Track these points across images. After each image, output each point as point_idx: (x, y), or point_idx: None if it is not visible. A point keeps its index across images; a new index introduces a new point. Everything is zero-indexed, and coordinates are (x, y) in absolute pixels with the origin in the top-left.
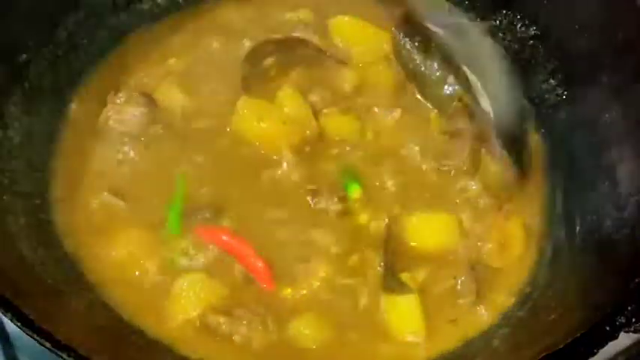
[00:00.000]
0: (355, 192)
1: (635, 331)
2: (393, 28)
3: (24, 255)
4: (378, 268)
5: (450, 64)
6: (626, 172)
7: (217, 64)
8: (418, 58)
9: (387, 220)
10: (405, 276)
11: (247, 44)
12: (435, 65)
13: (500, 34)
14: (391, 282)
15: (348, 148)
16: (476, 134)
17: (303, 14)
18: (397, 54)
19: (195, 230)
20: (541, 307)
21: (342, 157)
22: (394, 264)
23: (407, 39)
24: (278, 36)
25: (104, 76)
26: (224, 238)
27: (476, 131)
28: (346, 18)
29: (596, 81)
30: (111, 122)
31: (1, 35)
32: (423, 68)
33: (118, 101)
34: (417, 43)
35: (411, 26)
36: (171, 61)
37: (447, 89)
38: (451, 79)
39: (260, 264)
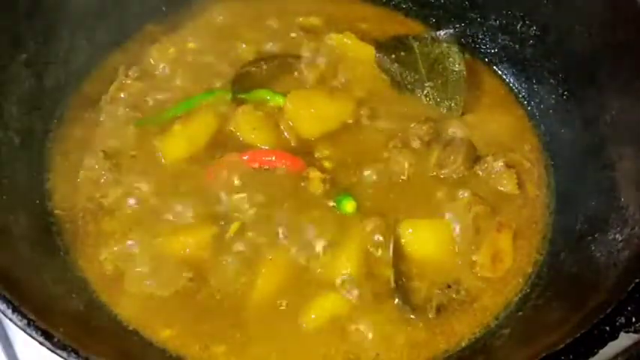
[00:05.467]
0: (350, 206)
1: (635, 331)
2: (374, 47)
3: (24, 255)
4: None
5: (430, 71)
6: (626, 172)
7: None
8: (398, 69)
9: (392, 240)
10: None
11: (243, 46)
12: (414, 74)
13: (500, 34)
14: (403, 307)
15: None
16: (468, 143)
17: (313, 21)
18: (380, 65)
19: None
20: (541, 307)
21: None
22: (407, 288)
23: (386, 55)
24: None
25: (103, 75)
26: (268, 158)
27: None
28: (340, 35)
29: (596, 81)
30: (121, 94)
31: (1, 35)
32: (401, 77)
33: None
34: (402, 54)
35: (395, 40)
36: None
37: (423, 97)
38: (428, 85)
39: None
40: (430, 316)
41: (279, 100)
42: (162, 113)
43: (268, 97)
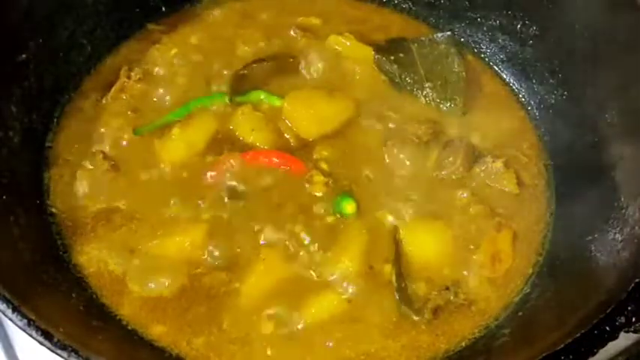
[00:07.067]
0: (349, 207)
1: (635, 331)
2: (373, 49)
3: (24, 255)
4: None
5: (429, 72)
6: (626, 172)
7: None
8: (397, 70)
9: (392, 240)
10: None
11: (243, 46)
12: (413, 75)
13: (500, 34)
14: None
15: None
16: (468, 143)
17: (313, 21)
18: (379, 66)
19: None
20: (541, 307)
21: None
22: (407, 288)
23: (385, 56)
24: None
25: (103, 75)
26: (269, 159)
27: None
28: (339, 36)
29: (596, 81)
30: (122, 96)
31: (1, 35)
32: (400, 78)
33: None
34: (400, 55)
35: (394, 42)
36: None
37: (423, 98)
38: (428, 86)
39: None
40: (426, 317)
41: (275, 102)
42: (161, 120)
43: (266, 101)
